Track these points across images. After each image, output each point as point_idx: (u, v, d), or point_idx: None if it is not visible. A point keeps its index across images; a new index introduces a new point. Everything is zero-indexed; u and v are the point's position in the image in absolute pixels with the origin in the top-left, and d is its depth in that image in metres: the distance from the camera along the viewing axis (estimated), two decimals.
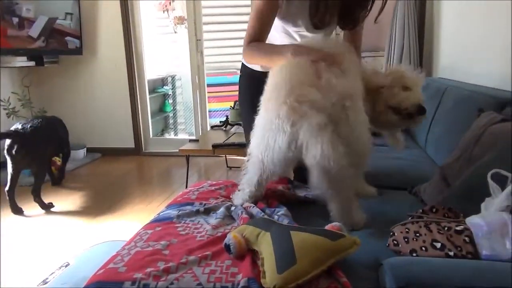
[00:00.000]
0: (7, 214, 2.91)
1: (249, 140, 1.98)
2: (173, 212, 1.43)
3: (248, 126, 1.99)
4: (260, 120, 1.38)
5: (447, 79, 2.89)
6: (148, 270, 1.05)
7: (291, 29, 1.70)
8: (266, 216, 1.38)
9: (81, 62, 4.42)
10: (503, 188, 1.14)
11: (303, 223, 1.35)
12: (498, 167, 1.17)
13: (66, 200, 3.21)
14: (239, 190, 1.56)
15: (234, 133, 3.27)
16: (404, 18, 3.45)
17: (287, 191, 1.64)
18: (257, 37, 1.60)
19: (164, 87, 5.67)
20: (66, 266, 1.65)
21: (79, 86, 4.51)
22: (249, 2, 4.13)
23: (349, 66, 1.38)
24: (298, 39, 1.71)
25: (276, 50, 1.53)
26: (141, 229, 1.36)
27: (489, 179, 1.13)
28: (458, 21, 2.92)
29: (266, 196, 1.55)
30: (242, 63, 1.95)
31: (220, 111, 4.81)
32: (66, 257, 2.15)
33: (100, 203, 3.15)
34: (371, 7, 1.63)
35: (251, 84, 1.90)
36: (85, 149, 4.44)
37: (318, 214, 1.49)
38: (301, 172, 2.02)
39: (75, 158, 4.26)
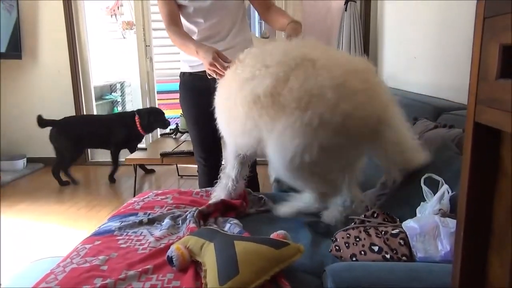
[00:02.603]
0: None
1: (196, 145, 2.00)
2: (115, 224, 1.38)
3: (194, 133, 2.00)
4: None
5: (390, 87, 3.02)
6: None
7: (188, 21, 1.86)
8: (215, 227, 1.37)
9: (20, 67, 4.16)
10: (436, 192, 1.20)
11: (253, 230, 1.35)
12: (431, 172, 1.24)
13: (5, 213, 3.00)
14: None
15: (184, 141, 3.21)
16: (350, 30, 3.59)
17: (240, 206, 1.58)
18: (171, 11, 1.80)
19: (113, 93, 5.48)
20: None
21: (18, 92, 4.24)
22: None
23: None
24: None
25: (193, 43, 1.71)
26: (79, 243, 1.29)
27: (422, 184, 1.19)
28: (398, 33, 3.08)
29: (218, 211, 1.53)
30: (180, 71, 1.97)
31: (171, 118, 4.72)
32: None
33: (42, 216, 2.96)
34: None
35: (187, 90, 1.97)
36: (25, 159, 4.18)
37: (267, 222, 1.51)
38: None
39: (14, 169, 4.00)
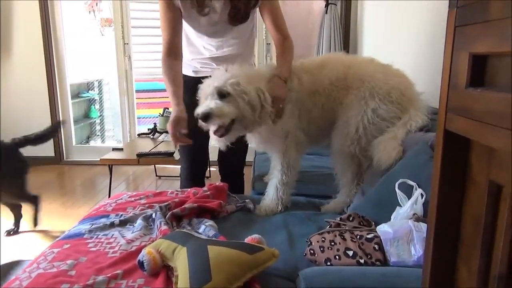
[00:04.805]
0: None
1: (182, 151, 1.96)
2: (85, 227, 1.34)
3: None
4: None
5: None
6: None
7: (196, 34, 1.79)
8: (189, 229, 1.34)
9: None
10: (410, 196, 1.21)
11: (228, 233, 1.34)
12: (406, 176, 1.25)
13: None
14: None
15: (162, 141, 3.17)
16: (330, 32, 3.60)
17: (217, 208, 1.55)
18: (171, 40, 1.68)
19: (90, 91, 5.36)
20: None
21: None
22: None
23: None
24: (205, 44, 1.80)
25: (173, 95, 1.66)
26: (47, 248, 1.24)
27: (396, 189, 1.19)
28: (376, 36, 3.12)
29: (194, 211, 1.50)
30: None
31: (149, 118, 4.65)
32: None
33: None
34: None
35: (187, 90, 1.88)
36: None
37: (243, 224, 1.49)
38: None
39: None
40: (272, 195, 1.63)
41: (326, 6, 3.59)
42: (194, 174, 2.00)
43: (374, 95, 1.54)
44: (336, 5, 3.60)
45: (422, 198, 1.16)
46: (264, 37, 3.97)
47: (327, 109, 1.62)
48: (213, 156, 2.18)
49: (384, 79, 1.57)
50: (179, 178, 2.08)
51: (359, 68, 1.61)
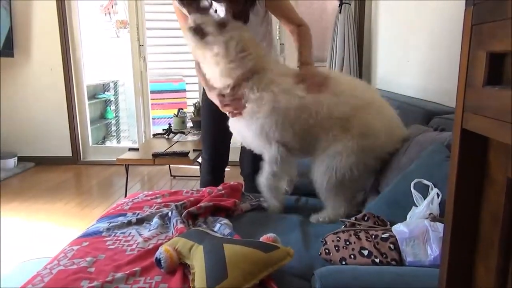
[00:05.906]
0: None
1: (205, 143, 2.00)
2: (103, 225, 1.36)
3: (206, 129, 1.98)
4: None
5: (383, 90, 3.03)
6: None
7: None
8: (204, 227, 1.36)
9: (12, 65, 4.12)
10: (425, 195, 1.20)
11: (243, 232, 1.35)
12: (422, 176, 1.24)
13: None
14: None
15: (177, 142, 3.20)
16: (344, 32, 3.59)
17: (232, 207, 1.56)
18: None
19: (106, 92, 5.44)
20: None
21: (10, 90, 4.20)
22: None
23: None
24: None
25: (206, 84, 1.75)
26: (66, 245, 1.28)
27: (412, 189, 1.19)
28: (391, 35, 3.09)
29: (209, 209, 1.52)
30: None
31: (164, 118, 4.70)
32: None
33: (33, 215, 2.94)
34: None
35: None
36: (16, 158, 4.14)
37: (258, 224, 1.50)
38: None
39: (5, 168, 3.95)
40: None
41: (340, 5, 3.57)
42: (214, 167, 2.03)
43: None
44: (350, 4, 3.58)
45: (438, 197, 1.15)
46: (277, 38, 3.98)
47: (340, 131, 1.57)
48: (232, 156, 2.18)
49: None
50: (193, 178, 2.12)
51: (366, 95, 1.66)
